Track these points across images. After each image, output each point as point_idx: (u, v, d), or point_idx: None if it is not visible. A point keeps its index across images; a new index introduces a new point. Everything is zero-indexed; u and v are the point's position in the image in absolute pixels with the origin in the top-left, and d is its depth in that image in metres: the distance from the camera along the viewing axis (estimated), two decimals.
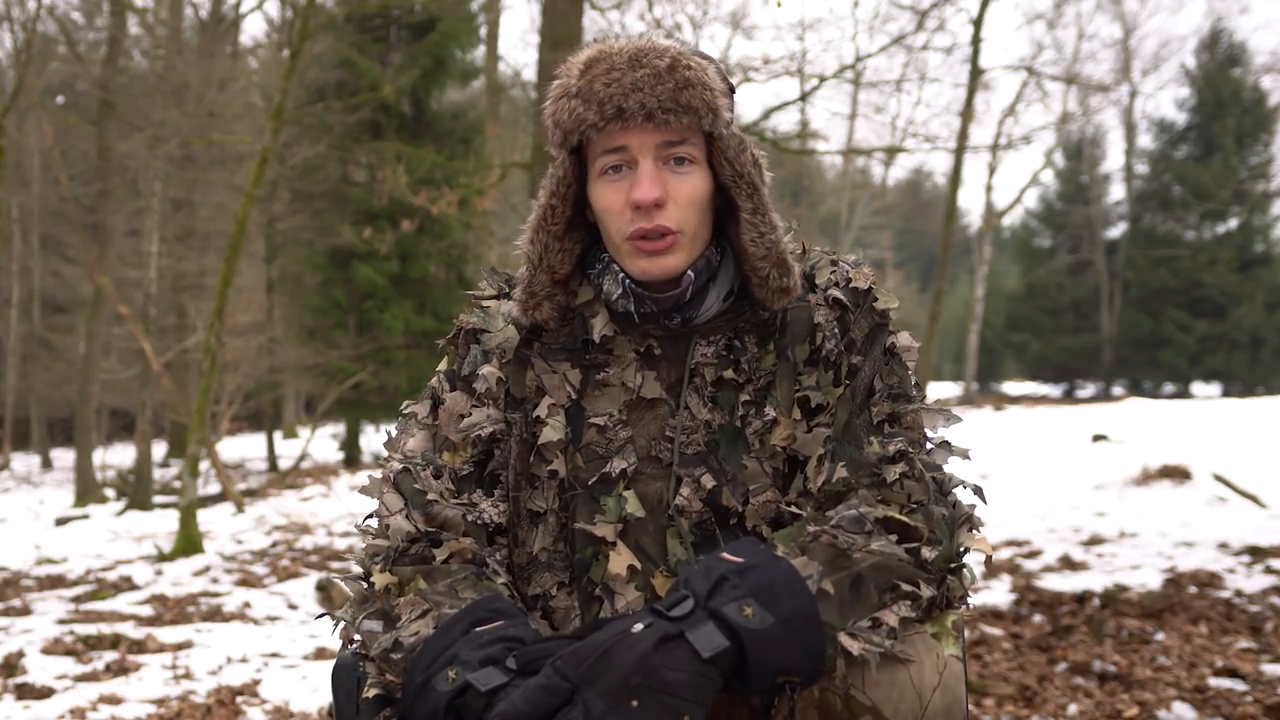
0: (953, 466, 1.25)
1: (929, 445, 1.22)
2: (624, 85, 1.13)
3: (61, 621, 5.19)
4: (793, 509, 1.19)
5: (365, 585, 1.21)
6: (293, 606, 5.62)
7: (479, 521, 1.24)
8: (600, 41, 1.20)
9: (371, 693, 1.13)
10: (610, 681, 0.96)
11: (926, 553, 1.10)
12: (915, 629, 1.09)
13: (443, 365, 1.33)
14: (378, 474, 1.29)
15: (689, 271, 1.20)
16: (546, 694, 0.98)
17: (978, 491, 1.21)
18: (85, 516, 11.54)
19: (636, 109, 1.13)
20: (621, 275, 1.22)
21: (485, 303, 1.34)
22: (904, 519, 1.11)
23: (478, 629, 1.09)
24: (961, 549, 1.16)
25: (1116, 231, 31.48)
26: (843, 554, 1.07)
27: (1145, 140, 30.89)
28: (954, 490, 1.20)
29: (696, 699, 0.97)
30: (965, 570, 1.16)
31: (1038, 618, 4.43)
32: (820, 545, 1.08)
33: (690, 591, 1.03)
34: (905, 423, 1.20)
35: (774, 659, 1.00)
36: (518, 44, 59.65)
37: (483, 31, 16.12)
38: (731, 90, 1.24)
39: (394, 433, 1.31)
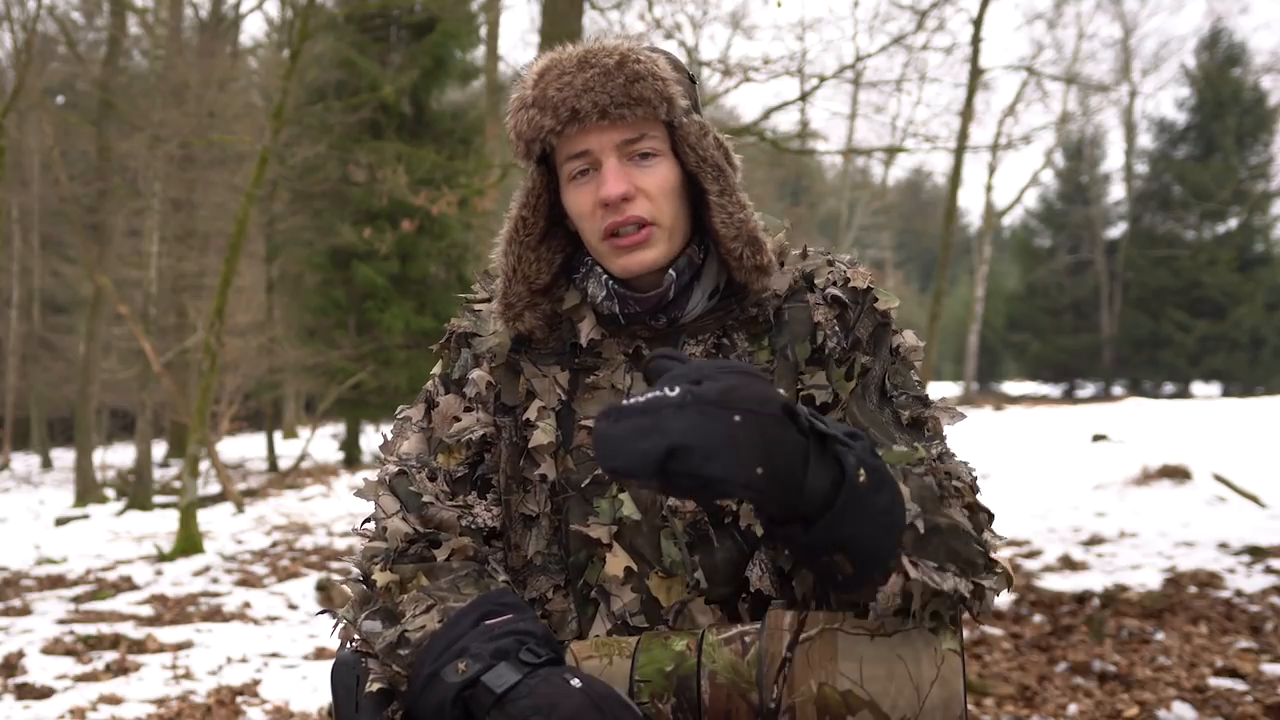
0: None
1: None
2: (575, 87, 1.15)
3: (61, 621, 5.19)
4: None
5: (365, 586, 1.20)
6: (293, 606, 5.62)
7: (473, 525, 1.24)
8: (552, 50, 1.21)
9: (374, 688, 1.12)
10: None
11: (989, 538, 1.08)
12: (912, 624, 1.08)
13: (437, 369, 1.34)
14: (373, 477, 1.29)
15: (670, 271, 1.20)
16: None
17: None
18: (85, 516, 11.54)
19: (590, 108, 1.14)
20: (605, 278, 1.22)
21: (477, 306, 1.35)
22: (977, 501, 1.09)
23: (487, 622, 1.09)
24: (994, 549, 1.14)
25: (1116, 231, 31.49)
26: (936, 500, 1.04)
27: (1145, 140, 30.97)
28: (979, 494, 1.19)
29: (779, 441, 0.89)
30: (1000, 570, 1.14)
31: (1038, 618, 4.43)
32: (919, 480, 1.05)
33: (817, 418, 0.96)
34: (930, 427, 1.19)
35: (858, 515, 0.94)
36: (518, 44, 59.64)
37: (483, 31, 16.12)
38: (691, 79, 1.25)
39: (389, 436, 1.32)
